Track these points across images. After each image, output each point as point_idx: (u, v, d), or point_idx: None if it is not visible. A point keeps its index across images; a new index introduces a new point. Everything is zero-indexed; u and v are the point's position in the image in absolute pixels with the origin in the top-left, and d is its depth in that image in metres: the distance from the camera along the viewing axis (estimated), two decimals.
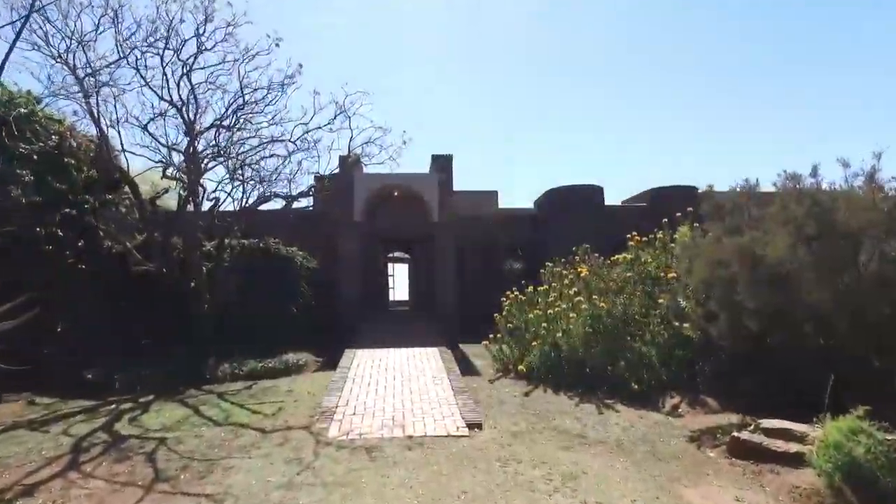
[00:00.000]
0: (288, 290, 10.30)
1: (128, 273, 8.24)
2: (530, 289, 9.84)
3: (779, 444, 4.55)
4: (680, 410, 6.45)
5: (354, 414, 5.83)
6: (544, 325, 8.33)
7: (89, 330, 8.14)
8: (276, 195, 8.99)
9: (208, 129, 8.25)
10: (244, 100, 8.64)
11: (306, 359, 9.35)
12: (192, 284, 8.36)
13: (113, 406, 6.58)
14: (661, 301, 7.70)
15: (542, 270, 10.33)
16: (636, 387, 6.97)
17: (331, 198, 14.89)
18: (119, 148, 8.29)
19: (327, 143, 9.63)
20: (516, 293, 9.74)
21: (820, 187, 6.06)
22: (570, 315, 7.93)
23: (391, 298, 22.13)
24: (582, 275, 8.32)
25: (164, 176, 8.62)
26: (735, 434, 4.91)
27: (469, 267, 15.92)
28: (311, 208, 15.99)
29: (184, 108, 8.23)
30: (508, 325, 9.36)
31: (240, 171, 8.67)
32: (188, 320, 8.47)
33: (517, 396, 7.19)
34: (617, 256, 9.25)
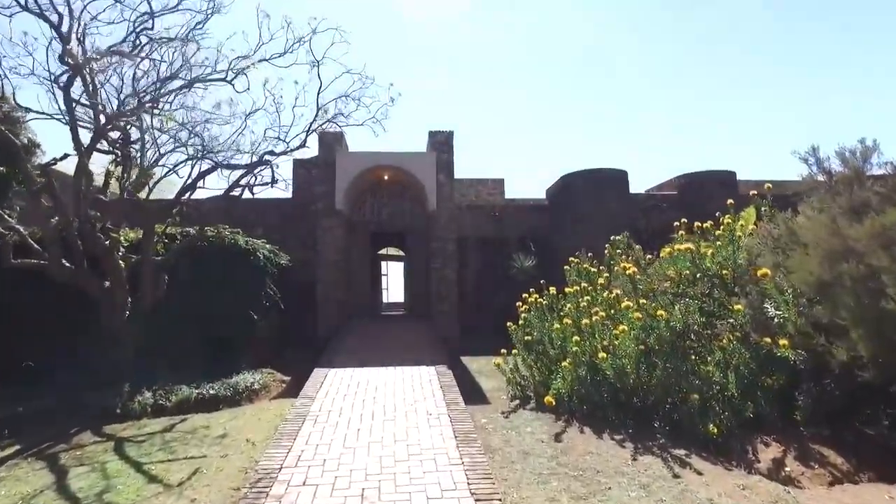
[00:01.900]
0: (248, 292, 8.31)
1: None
2: (551, 290, 7.85)
3: None
4: (788, 470, 4.47)
5: (304, 485, 3.83)
6: (576, 339, 6.34)
7: None
8: (220, 164, 6.96)
9: (103, 56, 5.88)
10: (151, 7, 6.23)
11: (265, 380, 7.36)
12: (107, 285, 6.36)
13: None
14: (737, 308, 5.69)
15: (565, 268, 8.33)
16: (713, 429, 4.97)
17: (308, 183, 12.94)
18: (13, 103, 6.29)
19: (290, 98, 7.45)
20: (536, 296, 7.74)
21: None
22: (616, 326, 5.93)
23: (385, 300, 20.15)
24: (628, 272, 6.31)
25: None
26: None
27: (472, 264, 13.94)
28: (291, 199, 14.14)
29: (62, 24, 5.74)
30: (526, 337, 7.38)
31: (163, 130, 6.63)
32: (99, 332, 6.48)
33: (545, 442, 5.20)
34: (669, 247, 7.25)
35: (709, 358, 5.71)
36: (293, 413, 5.37)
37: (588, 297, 6.94)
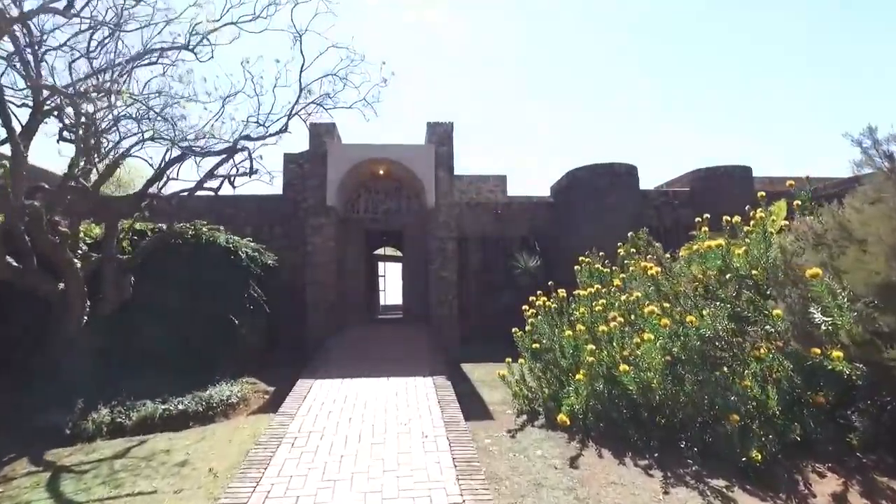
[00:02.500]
0: (228, 294, 7.62)
1: None
2: (560, 293, 7.16)
3: None
4: None
5: None
6: (590, 347, 5.65)
7: None
8: (189, 151, 6.23)
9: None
10: None
11: (245, 392, 6.67)
12: (61, 287, 5.66)
13: None
14: (776, 313, 4.99)
15: (576, 268, 7.63)
16: (756, 455, 4.27)
17: (300, 179, 12.26)
18: None
19: (274, 80, 6.67)
20: (544, 299, 7.04)
21: None
22: (639, 335, 5.24)
23: (383, 303, 19.46)
24: (651, 272, 5.60)
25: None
26: None
27: (473, 265, 13.26)
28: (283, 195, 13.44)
29: None
30: (534, 345, 6.68)
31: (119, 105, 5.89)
32: (54, 340, 5.78)
33: (559, 469, 4.51)
34: (689, 245, 6.55)
35: (745, 371, 5.01)
36: (268, 434, 4.68)
37: (603, 301, 6.25)
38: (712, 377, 4.86)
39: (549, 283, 7.60)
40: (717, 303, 5.47)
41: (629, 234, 7.59)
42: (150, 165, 7.16)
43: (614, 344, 5.56)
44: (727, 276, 5.79)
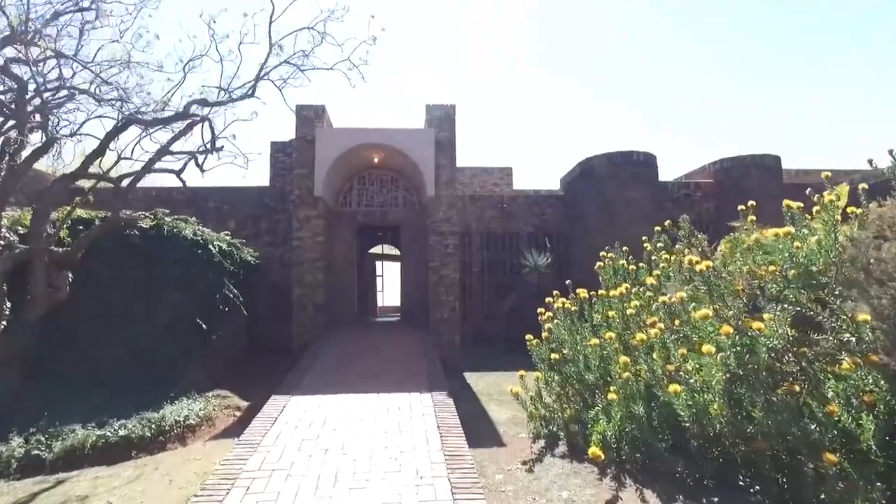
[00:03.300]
0: (198, 294, 6.62)
1: None
2: (581, 293, 6.13)
3: None
4: None
5: None
6: (623, 360, 4.63)
7: None
8: (130, 118, 5.21)
9: None
10: None
11: (210, 409, 5.67)
12: None
13: None
14: (862, 318, 3.93)
15: (599, 265, 6.61)
16: None
17: (289, 170, 11.27)
18: None
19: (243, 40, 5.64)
20: (562, 301, 6.02)
21: None
22: (694, 346, 4.22)
23: (381, 304, 18.44)
24: (699, 268, 4.56)
25: None
26: None
27: (476, 263, 12.24)
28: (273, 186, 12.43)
29: None
30: (552, 355, 5.63)
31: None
32: None
33: None
34: (739, 236, 5.50)
35: (816, 391, 3.98)
36: (218, 475, 3.65)
37: (635, 303, 5.21)
38: (784, 399, 3.82)
39: (567, 282, 6.57)
40: (781, 305, 4.44)
41: (656, 227, 6.56)
42: (121, 154, 6.15)
43: (655, 356, 4.53)
44: (790, 273, 4.76)
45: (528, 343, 5.92)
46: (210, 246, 6.81)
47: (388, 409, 5.15)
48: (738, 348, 3.92)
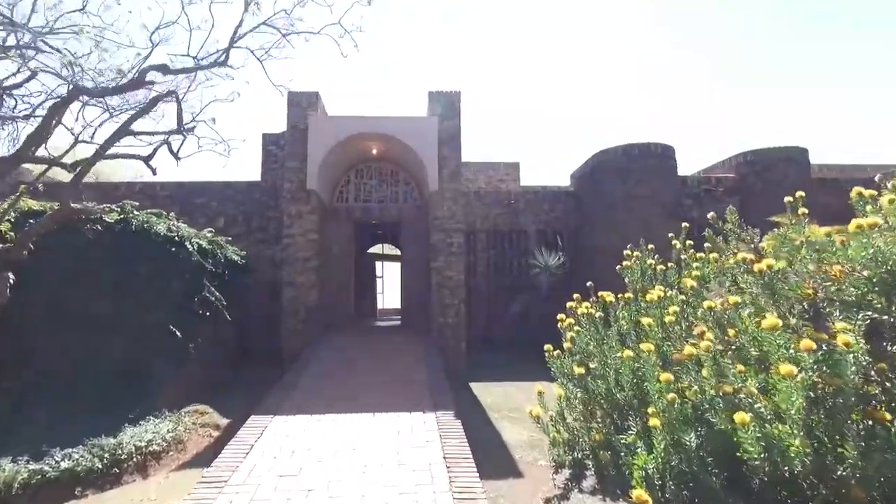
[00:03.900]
0: (171, 298, 5.88)
1: None
2: (606, 296, 5.36)
3: None
4: None
5: None
6: (665, 377, 3.86)
7: None
8: (76, 87, 4.47)
9: None
10: None
11: (181, 431, 4.93)
12: None
13: None
14: None
15: (624, 264, 5.84)
16: None
17: (279, 163, 10.55)
18: None
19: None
20: (586, 306, 5.25)
21: None
22: (774, 366, 3.44)
23: (380, 306, 17.68)
24: (758, 269, 3.79)
25: None
26: None
27: (481, 262, 11.49)
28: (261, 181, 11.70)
29: None
30: (577, 368, 4.86)
31: None
32: None
33: None
34: (789, 232, 4.73)
35: None
36: None
37: (674, 308, 4.45)
38: (879, 433, 3.06)
39: (588, 283, 5.81)
40: (863, 312, 3.67)
41: (683, 223, 5.77)
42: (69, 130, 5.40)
43: (705, 373, 3.77)
44: (864, 273, 3.99)
45: (546, 354, 5.16)
46: (187, 243, 6.08)
47: (385, 433, 4.41)
48: (824, 367, 3.16)
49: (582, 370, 4.73)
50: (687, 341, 4.22)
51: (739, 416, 3.10)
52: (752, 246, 4.82)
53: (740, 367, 3.64)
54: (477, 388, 7.89)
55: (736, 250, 4.73)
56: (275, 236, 10.82)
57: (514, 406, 6.79)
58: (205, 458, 4.71)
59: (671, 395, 3.74)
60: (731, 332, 3.94)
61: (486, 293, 11.54)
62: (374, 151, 9.34)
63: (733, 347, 3.92)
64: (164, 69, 4.50)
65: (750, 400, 3.34)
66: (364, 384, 5.93)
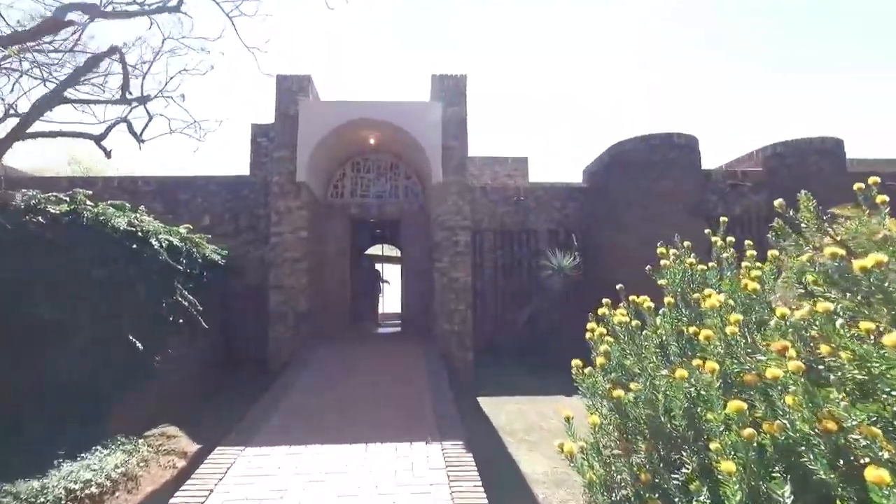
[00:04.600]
0: (134, 304, 5.06)
1: None
2: (643, 302, 4.51)
3: None
4: None
5: None
6: (734, 405, 3.00)
7: None
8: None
9: None
10: None
11: (134, 465, 4.11)
12: None
13: None
14: None
15: (662, 264, 4.97)
16: None
17: (267, 155, 9.73)
18: None
19: None
20: (621, 313, 4.39)
21: None
22: (870, 391, 2.57)
23: (381, 310, 16.82)
24: (860, 267, 2.95)
25: None
26: None
27: (487, 264, 10.66)
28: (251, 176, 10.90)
29: None
30: (611, 390, 4.00)
31: None
32: None
33: None
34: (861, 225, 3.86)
35: None
36: None
37: (736, 318, 3.60)
38: None
39: (618, 286, 4.97)
40: None
41: (723, 217, 4.90)
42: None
43: (791, 402, 2.93)
44: None
45: (574, 371, 4.32)
46: (153, 240, 5.26)
47: (380, 471, 3.56)
48: None
49: (621, 392, 3.90)
50: (752, 358, 3.38)
51: (876, 474, 2.22)
52: (839, 239, 3.97)
53: (843, 395, 2.77)
54: (486, 403, 7.04)
55: (816, 244, 3.86)
56: (265, 236, 9.98)
57: (529, 426, 5.95)
58: (161, 497, 3.87)
59: (748, 431, 2.88)
60: (824, 348, 3.07)
61: (492, 296, 10.69)
62: (372, 141, 8.53)
63: (825, 367, 3.06)
64: (89, 8, 3.69)
65: (873, 444, 2.47)
66: (357, 404, 5.09)
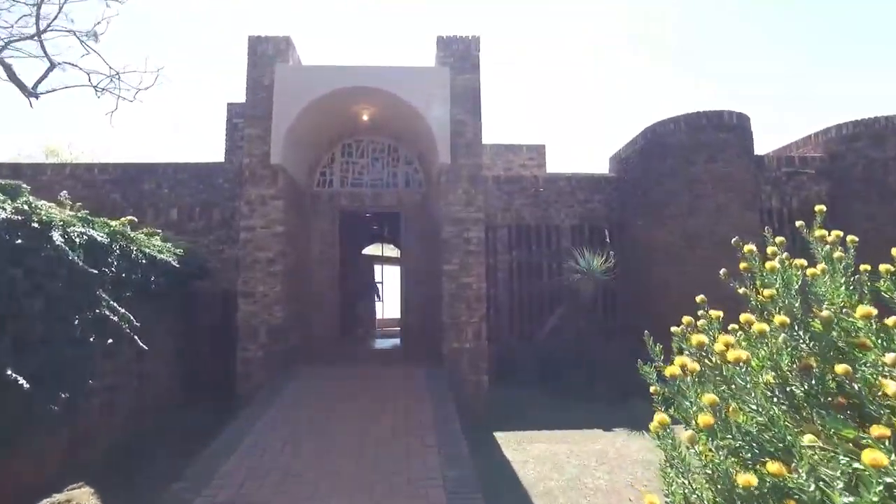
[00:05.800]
0: (33, 324, 3.66)
1: None
2: (752, 322, 3.07)
3: None
4: None
5: None
6: None
7: None
8: None
9: None
10: None
11: None
12: None
13: None
14: None
15: (742, 266, 3.52)
16: None
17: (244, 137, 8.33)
18: None
19: None
20: (725, 340, 2.94)
21: None
22: None
23: (379, 316, 15.40)
24: None
25: None
26: None
27: (501, 265, 9.25)
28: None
29: None
30: (705, 452, 2.55)
31: None
32: None
33: None
34: None
35: None
36: None
37: None
38: None
39: (699, 297, 3.55)
40: None
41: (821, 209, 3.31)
42: None
43: None
44: None
45: (657, 431, 2.91)
46: (55, 234, 3.88)
47: None
48: None
49: (752, 479, 2.48)
50: None
51: None
52: None
53: None
54: (505, 441, 5.65)
55: None
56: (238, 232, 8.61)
57: (568, 483, 4.53)
58: None
59: None
60: None
61: (507, 304, 9.28)
62: (366, 118, 7.13)
63: None
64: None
65: None
66: (341, 460, 3.68)
